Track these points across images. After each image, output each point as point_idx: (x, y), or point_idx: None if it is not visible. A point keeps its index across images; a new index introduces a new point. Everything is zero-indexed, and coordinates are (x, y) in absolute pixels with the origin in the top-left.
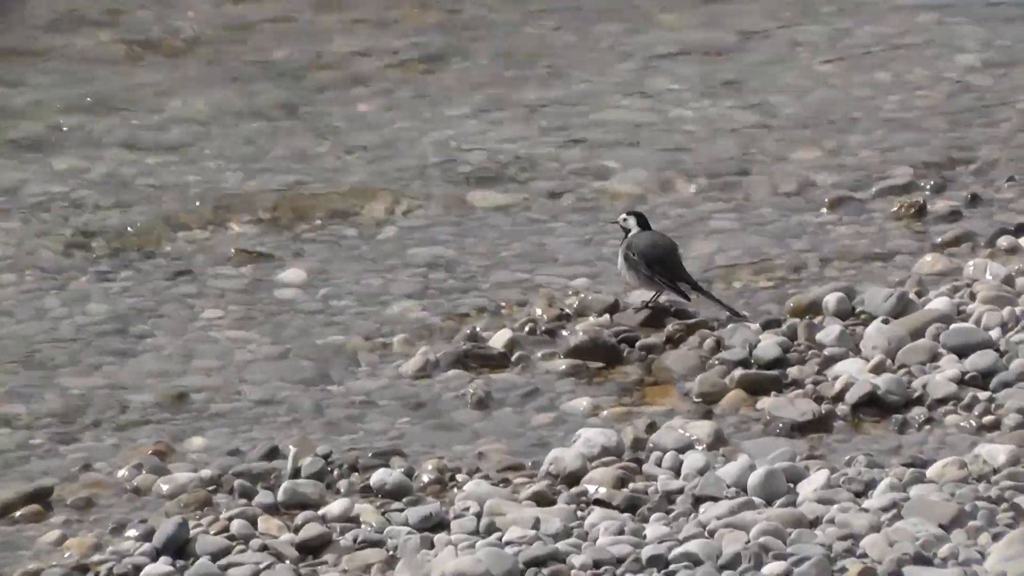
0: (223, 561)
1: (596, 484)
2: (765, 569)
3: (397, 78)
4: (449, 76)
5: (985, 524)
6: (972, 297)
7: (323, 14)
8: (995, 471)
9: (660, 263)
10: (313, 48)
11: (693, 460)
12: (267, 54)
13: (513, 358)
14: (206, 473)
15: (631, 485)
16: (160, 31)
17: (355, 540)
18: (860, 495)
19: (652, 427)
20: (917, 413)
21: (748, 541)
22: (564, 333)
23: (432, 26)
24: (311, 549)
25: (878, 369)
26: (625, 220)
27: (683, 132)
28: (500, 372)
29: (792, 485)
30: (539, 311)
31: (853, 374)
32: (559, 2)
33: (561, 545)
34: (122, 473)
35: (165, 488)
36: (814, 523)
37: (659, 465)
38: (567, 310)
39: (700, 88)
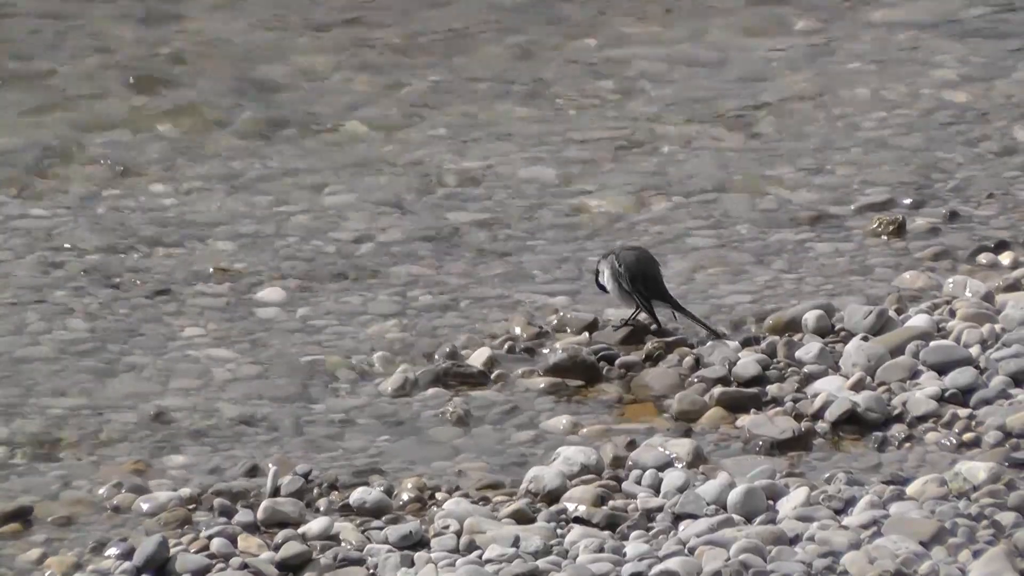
0: None
1: (576, 502)
2: None
3: (370, 93)
4: (423, 92)
5: (965, 541)
6: (952, 314)
7: (293, 30)
8: (975, 488)
9: (642, 280)
10: (290, 63)
11: (673, 478)
12: (246, 70)
13: (492, 376)
14: (186, 491)
15: (611, 503)
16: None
17: (335, 558)
18: (840, 512)
19: (632, 445)
20: (897, 431)
21: (728, 559)
22: (543, 351)
23: (402, 42)
24: (291, 567)
25: (858, 387)
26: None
27: (660, 149)
28: (479, 390)
29: (772, 503)
30: (518, 329)
31: (833, 392)
32: (534, 17)
33: (541, 563)
34: (102, 491)
35: (145, 506)
36: (794, 540)
37: (639, 483)
38: (546, 328)
39: (677, 104)
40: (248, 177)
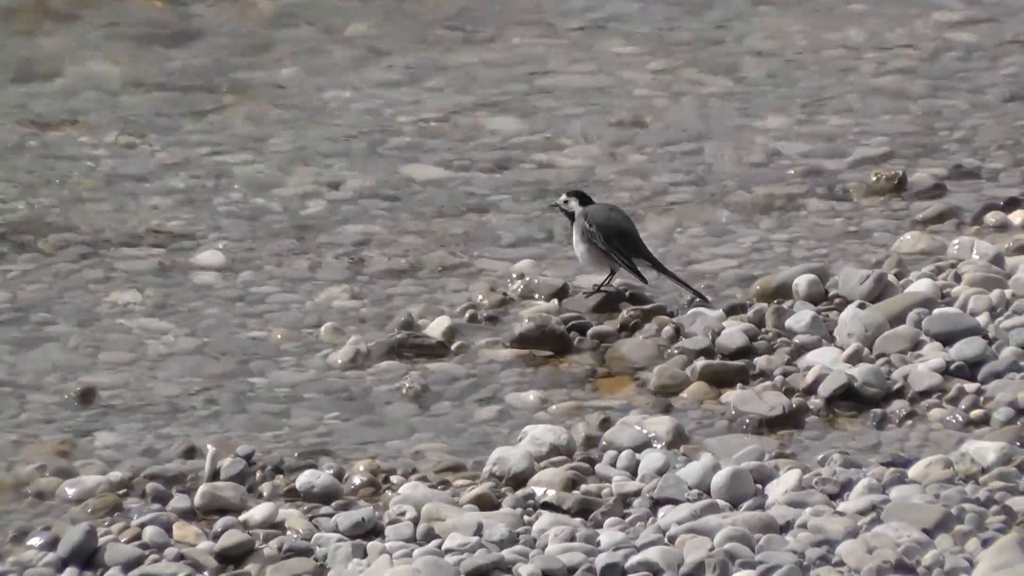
0: (135, 572)
1: (544, 486)
2: None
3: (321, 39)
4: (377, 37)
5: (973, 529)
6: (957, 279)
7: None
8: (984, 470)
9: (618, 237)
10: (231, 9)
11: (651, 459)
12: (178, 15)
13: (452, 347)
14: (116, 475)
15: (583, 487)
16: None
17: (280, 548)
18: (835, 497)
19: (606, 423)
20: (897, 407)
21: (712, 548)
22: (508, 320)
23: None
24: (232, 558)
25: (854, 359)
26: (566, 202)
27: (637, 97)
28: (438, 363)
29: (760, 486)
30: (480, 296)
31: (826, 364)
32: None
33: (507, 553)
34: (23, 474)
35: (71, 492)
36: (785, 528)
37: (614, 465)
38: (511, 295)
39: (655, 49)
40: (185, 128)
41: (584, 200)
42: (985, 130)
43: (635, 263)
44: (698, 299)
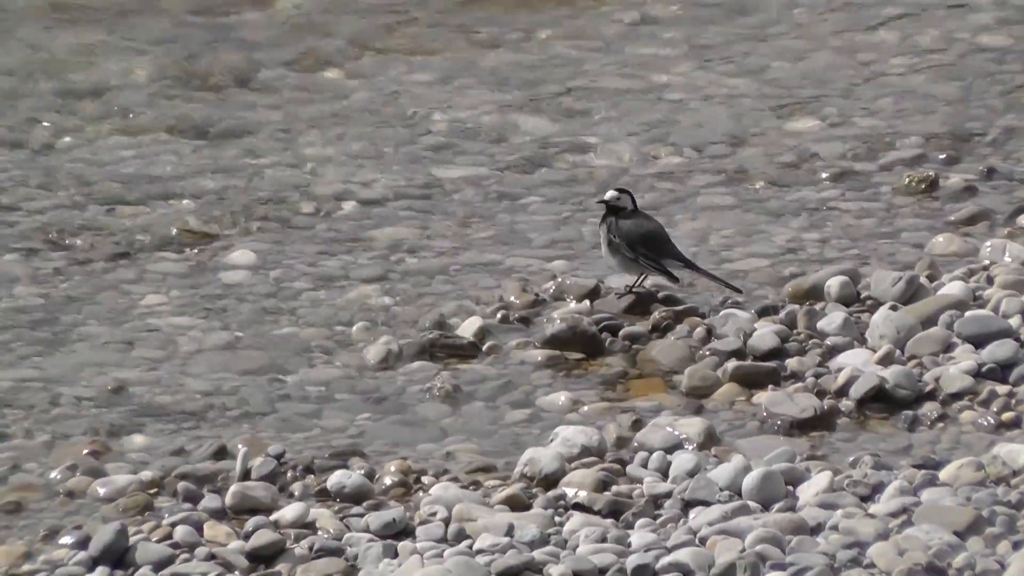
0: (166, 571)
1: (575, 487)
2: None
3: (355, 40)
4: (409, 37)
5: (1005, 531)
6: (989, 281)
7: None
8: (1015, 473)
9: (644, 243)
10: (261, 11)
11: (682, 461)
12: (212, 18)
13: (484, 348)
14: (147, 474)
15: (614, 488)
16: None
17: (311, 548)
18: (866, 499)
19: (637, 424)
20: (929, 409)
21: (743, 550)
22: (540, 321)
23: None
24: (262, 558)
25: (886, 361)
26: (618, 199)
27: (669, 99)
28: (470, 363)
29: (791, 488)
30: (512, 297)
31: (858, 366)
32: None
33: (537, 554)
34: (54, 474)
35: (102, 491)
36: (815, 530)
37: (645, 466)
38: (543, 295)
39: (687, 51)
40: (217, 129)
41: (632, 200)
42: (1018, 132)
43: (665, 264)
44: (732, 292)
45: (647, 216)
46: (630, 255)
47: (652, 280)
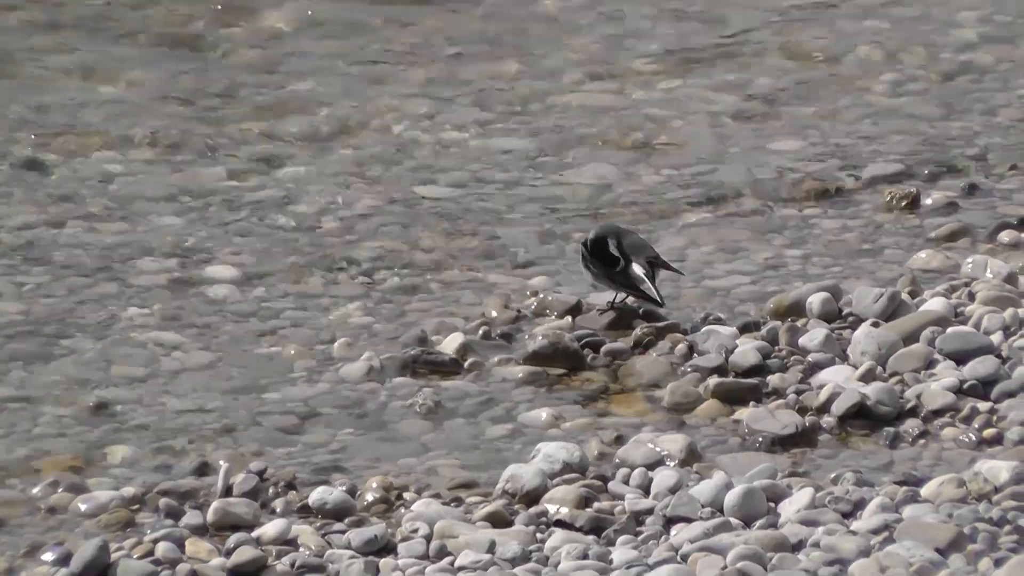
0: None
1: (557, 503)
2: None
3: (336, 56)
4: (391, 54)
5: (986, 548)
6: (971, 297)
7: None
8: (997, 490)
9: (623, 273)
10: (238, 22)
11: (664, 477)
12: (189, 29)
13: (466, 364)
14: (128, 491)
15: (596, 504)
16: None
17: (292, 565)
18: (848, 516)
19: (619, 440)
20: (910, 426)
21: (725, 567)
22: (522, 337)
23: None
24: (244, 574)
25: (867, 377)
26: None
27: (651, 115)
28: (451, 379)
29: (773, 505)
30: (494, 313)
31: (840, 383)
32: None
33: (519, 571)
34: (36, 490)
35: (84, 507)
36: (797, 547)
37: (626, 483)
38: (525, 311)
39: (668, 66)
40: (200, 145)
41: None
42: (998, 149)
43: (639, 273)
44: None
45: (612, 227)
46: (611, 284)
47: (634, 297)
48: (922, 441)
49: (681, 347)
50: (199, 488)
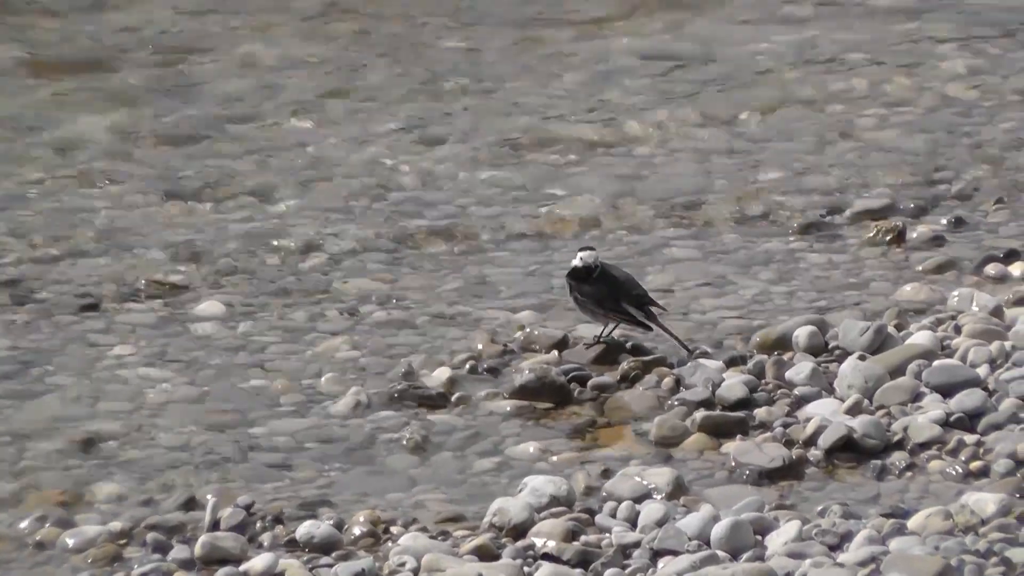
0: None
1: (544, 537)
2: None
3: (322, 91)
4: (377, 89)
5: None
6: (957, 330)
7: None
8: (983, 522)
9: (610, 296)
10: (226, 58)
11: (651, 510)
12: (176, 67)
13: (453, 398)
14: (116, 525)
15: (583, 538)
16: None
17: None
18: (835, 548)
19: (606, 474)
20: (897, 458)
21: None
22: (509, 371)
23: (352, 35)
24: None
25: (854, 410)
26: (587, 267)
27: (637, 150)
28: (439, 413)
29: (760, 538)
30: (481, 347)
31: (826, 416)
32: (494, 6)
33: None
34: (24, 525)
35: (71, 542)
36: None
37: (613, 516)
38: (511, 346)
39: (655, 102)
40: (185, 180)
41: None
42: (985, 183)
43: (630, 310)
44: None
45: (609, 268)
46: (600, 311)
47: (620, 330)
48: (909, 474)
49: (668, 380)
50: (187, 522)
